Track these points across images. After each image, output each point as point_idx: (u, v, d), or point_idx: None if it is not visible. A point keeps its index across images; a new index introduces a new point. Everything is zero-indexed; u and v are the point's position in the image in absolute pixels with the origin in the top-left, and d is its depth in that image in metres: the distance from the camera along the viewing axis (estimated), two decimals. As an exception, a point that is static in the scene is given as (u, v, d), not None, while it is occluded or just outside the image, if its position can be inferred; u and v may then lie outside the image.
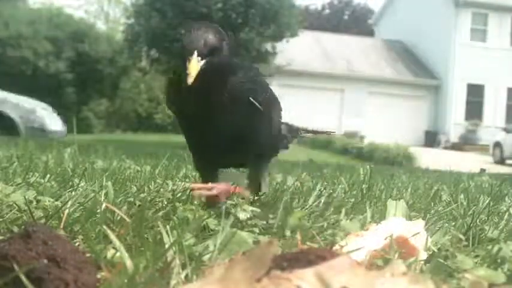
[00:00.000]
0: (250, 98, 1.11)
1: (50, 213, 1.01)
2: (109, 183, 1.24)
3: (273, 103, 1.23)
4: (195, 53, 0.99)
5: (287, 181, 1.88)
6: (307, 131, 1.48)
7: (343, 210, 1.20)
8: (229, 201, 1.12)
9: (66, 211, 0.98)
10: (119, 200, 1.20)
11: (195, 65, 0.98)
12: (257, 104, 1.12)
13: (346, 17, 37.82)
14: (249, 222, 1.05)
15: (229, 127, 1.12)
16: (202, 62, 1.00)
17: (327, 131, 1.66)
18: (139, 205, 1.18)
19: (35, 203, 1.11)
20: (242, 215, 1.05)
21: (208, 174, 1.21)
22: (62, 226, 0.94)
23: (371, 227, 0.95)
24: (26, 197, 1.09)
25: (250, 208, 1.09)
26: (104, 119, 19.41)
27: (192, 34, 1.02)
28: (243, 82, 1.10)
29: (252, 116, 1.14)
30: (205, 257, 0.75)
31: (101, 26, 23.86)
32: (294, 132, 1.40)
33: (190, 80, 0.97)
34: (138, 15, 14.86)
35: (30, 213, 0.98)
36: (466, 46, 19.73)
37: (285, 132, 1.34)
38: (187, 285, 0.56)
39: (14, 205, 1.05)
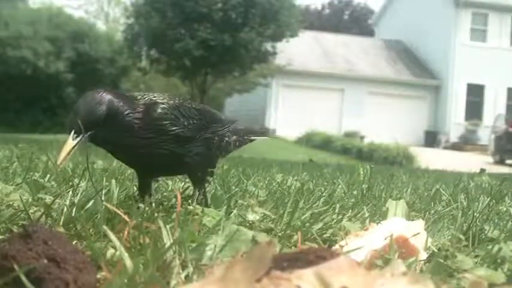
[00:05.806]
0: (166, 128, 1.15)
1: (50, 212, 1.00)
2: (113, 181, 1.24)
3: (199, 129, 1.21)
4: (71, 133, 1.04)
5: (287, 181, 1.88)
6: (249, 132, 1.41)
7: (343, 210, 1.20)
8: (240, 201, 1.15)
9: (65, 210, 0.98)
10: (119, 199, 1.20)
11: (67, 147, 1.03)
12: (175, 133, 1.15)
13: (346, 17, 37.82)
14: (257, 224, 1.05)
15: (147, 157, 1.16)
16: (78, 138, 1.04)
17: (265, 132, 1.58)
18: (139, 205, 1.17)
19: (34, 202, 1.11)
20: (251, 216, 1.06)
21: (142, 182, 1.26)
22: (61, 225, 0.94)
23: (371, 227, 0.95)
24: (25, 196, 1.09)
25: (261, 210, 1.09)
26: (104, 119, 19.39)
27: (72, 113, 1.05)
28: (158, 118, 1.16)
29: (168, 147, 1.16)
30: (207, 255, 0.75)
31: (101, 26, 23.86)
32: (240, 136, 1.36)
33: (59, 161, 1.03)
34: (138, 15, 14.87)
35: (27, 212, 0.98)
36: (466, 46, 19.72)
37: (230, 139, 1.31)
38: (187, 285, 0.56)
39: (14, 204, 1.05)
